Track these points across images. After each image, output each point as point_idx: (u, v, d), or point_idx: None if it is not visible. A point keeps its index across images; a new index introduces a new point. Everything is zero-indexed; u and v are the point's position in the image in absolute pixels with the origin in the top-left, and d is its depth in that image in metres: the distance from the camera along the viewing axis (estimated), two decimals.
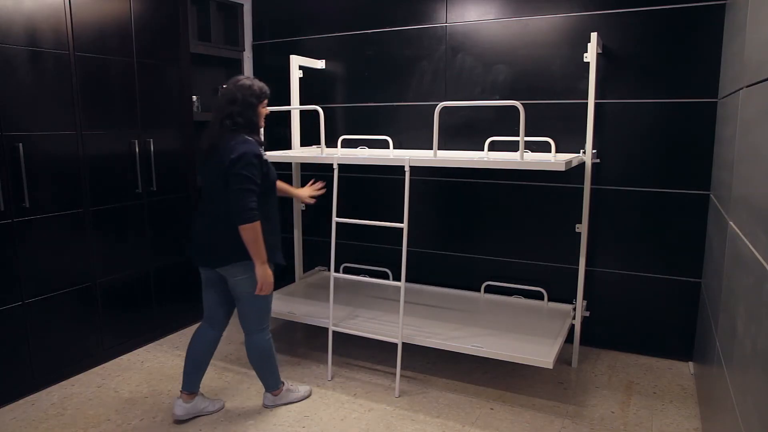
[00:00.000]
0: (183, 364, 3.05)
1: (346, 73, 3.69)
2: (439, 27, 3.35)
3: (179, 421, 2.46)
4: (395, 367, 2.76)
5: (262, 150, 2.28)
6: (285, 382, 2.63)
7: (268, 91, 2.37)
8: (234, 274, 2.31)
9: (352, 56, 3.65)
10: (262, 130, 2.42)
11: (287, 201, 3.90)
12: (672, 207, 2.95)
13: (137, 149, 3.12)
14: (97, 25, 2.87)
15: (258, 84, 2.33)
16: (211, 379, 2.88)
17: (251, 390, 2.76)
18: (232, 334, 3.49)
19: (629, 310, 3.12)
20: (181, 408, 2.47)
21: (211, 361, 3.08)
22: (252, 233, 2.19)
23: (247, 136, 2.27)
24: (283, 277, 4.07)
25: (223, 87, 2.40)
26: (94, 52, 2.87)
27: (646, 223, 3.02)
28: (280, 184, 2.54)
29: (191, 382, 2.48)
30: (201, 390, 2.62)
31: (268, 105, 2.41)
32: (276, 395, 2.59)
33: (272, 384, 2.57)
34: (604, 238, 3.12)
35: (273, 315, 3.18)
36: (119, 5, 2.98)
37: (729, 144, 2.18)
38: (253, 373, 2.95)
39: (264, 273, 2.26)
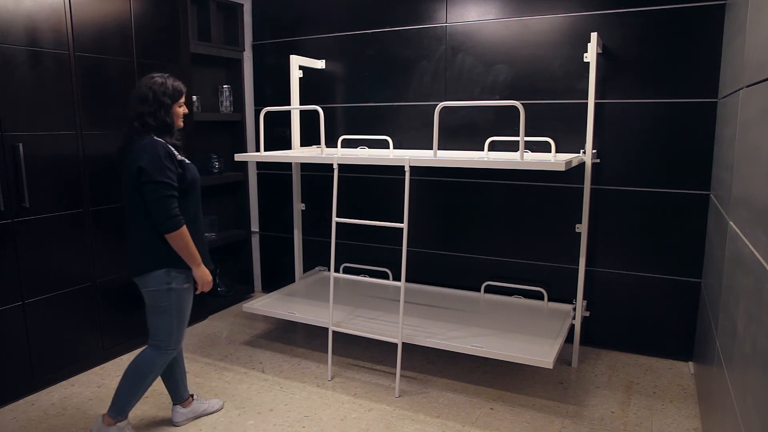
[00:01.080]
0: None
1: (346, 73, 3.69)
2: (439, 27, 3.35)
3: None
4: (395, 367, 2.76)
5: (174, 150, 2.14)
6: (127, 421, 2.28)
7: (183, 90, 2.22)
8: (142, 285, 2.20)
9: (352, 56, 3.65)
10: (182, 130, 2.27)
11: (287, 200, 3.90)
12: (672, 207, 2.95)
13: None
14: (97, 25, 2.87)
15: (173, 82, 2.18)
16: (211, 378, 2.88)
17: (251, 390, 2.76)
18: (234, 334, 3.49)
19: (629, 310, 3.12)
20: (180, 414, 2.44)
21: (211, 362, 3.08)
22: (180, 240, 2.09)
23: (156, 137, 2.11)
24: (284, 277, 4.07)
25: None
26: (94, 52, 2.87)
27: (646, 223, 3.02)
28: None
29: (176, 394, 2.45)
30: (197, 393, 2.61)
31: (185, 104, 2.27)
32: (108, 425, 2.24)
33: (116, 409, 2.24)
34: (604, 238, 3.12)
35: (273, 316, 3.20)
36: (119, 5, 2.98)
37: (729, 144, 2.18)
38: (254, 372, 2.95)
39: (202, 273, 2.19)
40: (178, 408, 2.45)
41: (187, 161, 2.20)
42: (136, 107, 2.13)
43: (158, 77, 2.17)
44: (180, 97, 2.20)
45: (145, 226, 2.13)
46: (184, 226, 2.10)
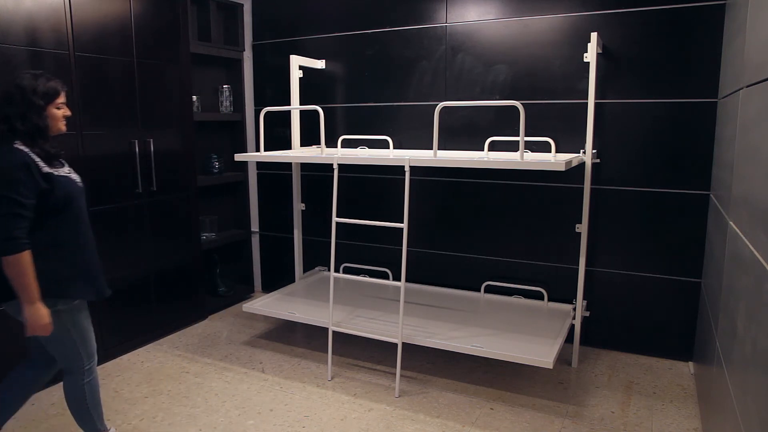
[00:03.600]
0: (182, 364, 3.05)
1: (346, 73, 3.69)
2: (439, 27, 3.35)
3: None
4: (395, 367, 2.76)
5: (40, 161, 1.83)
6: (112, 429, 2.21)
7: (61, 89, 1.93)
8: (15, 314, 1.92)
9: (352, 56, 3.65)
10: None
11: (287, 200, 3.90)
12: (672, 207, 2.95)
13: (137, 149, 3.11)
14: (97, 25, 2.87)
15: (46, 81, 1.88)
16: (211, 378, 2.88)
17: (251, 390, 2.76)
18: (234, 334, 3.49)
19: (629, 310, 3.12)
20: None
21: (211, 362, 3.08)
22: (14, 267, 1.77)
23: (19, 146, 1.81)
24: (284, 277, 4.07)
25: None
26: (94, 52, 2.86)
27: (646, 223, 3.02)
28: None
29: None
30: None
31: (65, 104, 1.97)
32: None
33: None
34: (604, 238, 3.12)
35: (273, 316, 3.20)
36: (119, 5, 2.98)
37: (729, 144, 2.18)
38: (254, 372, 2.95)
39: (33, 314, 1.82)
40: None
41: (63, 174, 1.92)
42: (1, 109, 1.84)
43: (29, 75, 1.88)
44: (56, 97, 1.91)
45: None
46: (25, 253, 1.78)
